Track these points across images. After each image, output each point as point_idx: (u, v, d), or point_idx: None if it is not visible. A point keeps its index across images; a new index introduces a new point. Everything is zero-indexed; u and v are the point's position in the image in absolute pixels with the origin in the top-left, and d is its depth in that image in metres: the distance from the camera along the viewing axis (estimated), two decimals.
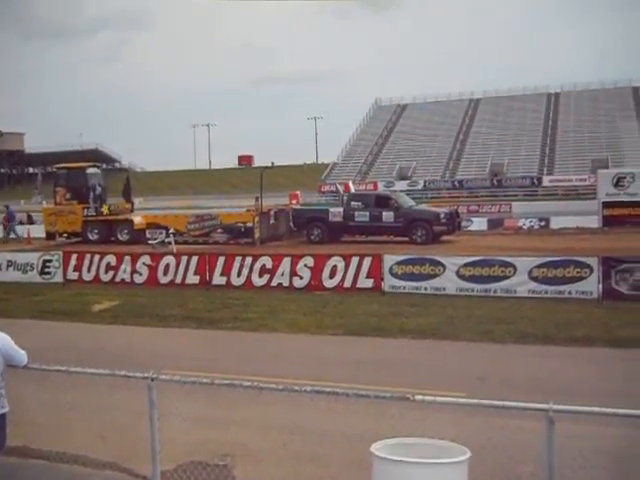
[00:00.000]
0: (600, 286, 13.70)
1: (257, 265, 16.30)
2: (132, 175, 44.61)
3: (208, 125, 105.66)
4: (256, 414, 6.78)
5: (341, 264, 15.64)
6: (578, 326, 11.57)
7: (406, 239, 23.24)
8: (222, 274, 16.59)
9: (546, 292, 14.01)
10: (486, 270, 14.55)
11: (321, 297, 15.03)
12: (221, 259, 16.79)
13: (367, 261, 15.47)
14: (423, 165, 62.10)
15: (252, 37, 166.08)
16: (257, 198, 26.18)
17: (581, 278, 13.85)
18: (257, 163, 43.43)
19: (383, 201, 24.61)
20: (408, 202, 25.61)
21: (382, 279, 15.29)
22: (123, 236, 26.10)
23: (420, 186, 55.88)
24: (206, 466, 5.77)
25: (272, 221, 25.99)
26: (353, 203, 24.82)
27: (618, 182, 26.46)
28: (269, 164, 36.68)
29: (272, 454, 6.22)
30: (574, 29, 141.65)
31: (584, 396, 7.39)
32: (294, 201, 29.77)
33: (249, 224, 24.96)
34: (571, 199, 45.61)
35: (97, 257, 17.92)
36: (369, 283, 15.37)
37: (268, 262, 16.29)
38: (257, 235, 24.62)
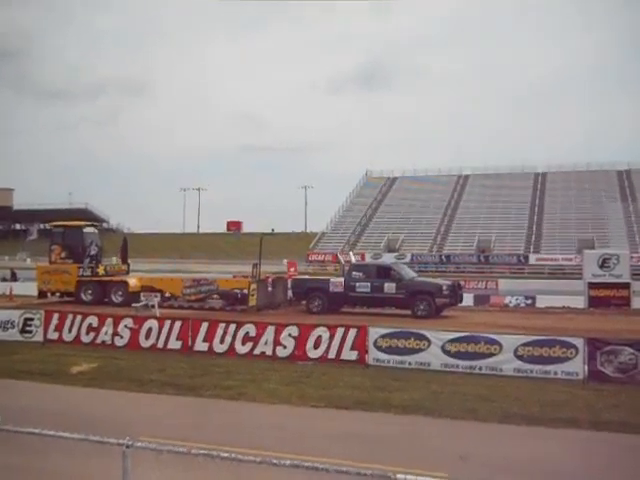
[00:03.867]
0: (585, 367, 13.61)
1: (240, 333, 16.11)
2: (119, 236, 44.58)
3: (198, 189, 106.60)
4: None
5: (326, 335, 15.48)
6: (563, 407, 11.43)
7: (408, 312, 22.89)
8: (205, 340, 16.36)
9: (531, 371, 13.89)
10: (472, 346, 14.45)
11: (304, 367, 14.82)
12: (204, 325, 16.59)
13: (352, 333, 15.33)
14: (411, 238, 62.62)
15: (246, 106, 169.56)
16: (255, 265, 26.09)
17: (567, 358, 13.76)
18: (246, 229, 43.67)
19: (385, 272, 24.28)
20: (410, 274, 25.35)
21: (367, 352, 15.12)
22: (117, 298, 25.77)
23: (407, 259, 56.13)
24: None
25: (270, 289, 25.73)
26: (354, 273, 24.46)
27: (604, 263, 26.68)
28: (266, 230, 36.79)
29: None
30: (561, 112, 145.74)
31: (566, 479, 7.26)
32: (292, 269, 29.64)
33: (244, 291, 24.75)
34: (557, 278, 45.88)
35: (79, 317, 17.66)
36: (353, 355, 15.19)
37: (252, 330, 16.11)
38: (253, 302, 24.34)
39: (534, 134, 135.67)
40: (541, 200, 65.72)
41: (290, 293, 26.01)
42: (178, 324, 16.75)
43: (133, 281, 26.54)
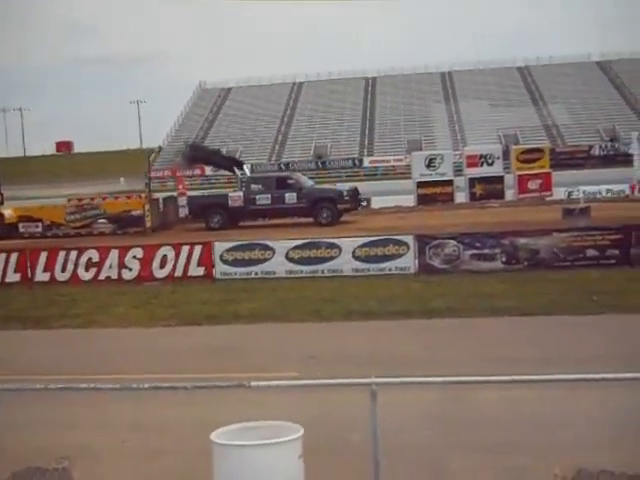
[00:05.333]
0: (416, 261, 14.86)
1: (83, 259, 15.78)
2: None
3: (20, 109, 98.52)
4: (94, 414, 6.74)
5: (171, 254, 15.58)
6: (397, 300, 12.49)
7: (310, 220, 23.01)
8: (45, 270, 15.87)
9: (369, 270, 14.93)
10: (313, 252, 15.21)
11: (152, 288, 14.89)
12: (43, 254, 16.04)
13: (197, 249, 15.54)
14: (249, 149, 62.53)
15: (74, 14, 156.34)
16: (147, 184, 24.93)
17: (399, 255, 14.92)
18: (77, 149, 41.43)
19: (284, 182, 24.10)
20: (308, 182, 25.29)
21: (213, 266, 15.44)
22: None
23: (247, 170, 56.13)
24: (45, 471, 5.69)
25: (161, 209, 24.94)
26: (253, 186, 24.05)
27: (430, 163, 28.42)
28: (101, 148, 35.11)
29: (112, 452, 6.25)
30: (388, 16, 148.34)
31: (404, 365, 8.15)
32: (180, 186, 28.68)
33: (137, 212, 23.68)
34: (390, 179, 48.17)
35: None
36: (200, 271, 15.47)
37: (95, 255, 15.82)
38: (149, 224, 23.47)
39: (364, 38, 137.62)
40: (372, 104, 67.73)
41: (186, 211, 25.20)
42: (15, 256, 16.06)
43: (8, 212, 24.48)
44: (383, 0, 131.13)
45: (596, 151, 52.50)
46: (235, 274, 15.33)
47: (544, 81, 65.97)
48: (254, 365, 8.75)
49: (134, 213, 24.00)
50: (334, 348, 9.90)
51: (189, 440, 6.04)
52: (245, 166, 28.36)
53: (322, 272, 15.04)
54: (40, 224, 23.40)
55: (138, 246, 16.12)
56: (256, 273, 15.29)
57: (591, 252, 14.67)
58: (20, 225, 23.86)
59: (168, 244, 16.18)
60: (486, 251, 14.77)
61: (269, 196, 23.55)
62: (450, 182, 28.24)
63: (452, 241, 14.91)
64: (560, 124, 59.58)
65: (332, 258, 15.07)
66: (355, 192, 24.53)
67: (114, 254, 15.75)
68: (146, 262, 15.59)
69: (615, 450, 5.77)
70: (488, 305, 11.72)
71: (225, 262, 15.43)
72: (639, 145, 32.92)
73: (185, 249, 15.61)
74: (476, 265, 14.70)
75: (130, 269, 15.65)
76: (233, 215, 23.86)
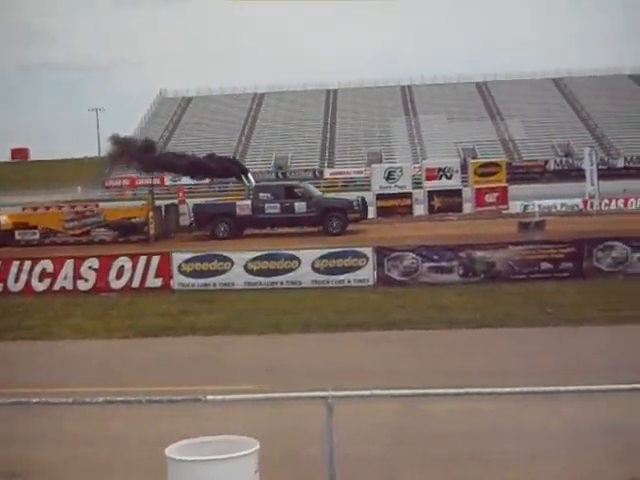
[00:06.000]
0: (375, 273, 14.96)
1: (37, 269, 15.47)
2: None
3: None
4: (48, 428, 6.59)
5: (128, 264, 15.39)
6: (356, 312, 12.54)
7: (316, 229, 22.96)
8: None
9: (328, 282, 14.97)
10: (273, 263, 15.18)
11: (108, 299, 14.67)
12: None
13: (155, 260, 15.38)
14: None
15: (30, 19, 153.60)
16: (150, 191, 24.49)
17: (358, 267, 15.00)
18: (33, 157, 40.65)
19: (293, 191, 24.01)
20: (316, 191, 25.24)
21: (171, 277, 15.30)
22: None
23: (207, 180, 55.85)
24: None
25: (164, 216, 24.50)
26: (262, 195, 23.74)
27: (389, 175, 28.73)
28: (48, 158, 34.48)
29: (65, 466, 6.13)
30: (350, 30, 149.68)
31: (362, 376, 8.18)
32: (181, 193, 28.35)
33: (137, 220, 23.17)
34: (349, 191, 48.42)
35: None
36: (158, 282, 15.30)
37: (49, 266, 15.53)
38: (152, 231, 22.88)
39: (326, 53, 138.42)
40: (333, 116, 68.14)
41: (187, 219, 24.76)
42: None
43: (4, 218, 23.58)
44: (345, 14, 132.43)
45: (551, 166, 53.68)
46: (193, 285, 15.21)
47: (501, 97, 67.30)
48: (211, 378, 8.67)
49: (135, 221, 23.50)
50: (292, 360, 9.89)
51: (143, 455, 5.96)
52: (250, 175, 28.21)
53: (281, 284, 15.02)
54: (37, 231, 22.73)
55: (94, 256, 15.87)
56: (214, 284, 15.19)
57: (545, 265, 14.96)
58: (16, 232, 23.08)
59: (125, 254, 15.97)
60: (444, 264, 14.94)
61: (278, 205, 23.37)
62: (409, 195, 28.56)
63: (411, 253, 15.05)
64: (517, 139, 60.80)
65: (291, 270, 15.07)
66: (364, 202, 24.65)
67: (69, 264, 15.48)
68: (102, 273, 15.37)
69: (567, 462, 5.88)
70: (445, 317, 11.85)
71: (183, 273, 15.29)
72: (591, 160, 33.79)
73: (142, 260, 15.43)
74: (434, 277, 14.86)
75: (86, 280, 15.40)
76: (240, 224, 23.57)
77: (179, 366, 9.73)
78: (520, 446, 6.23)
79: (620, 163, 51.72)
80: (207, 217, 24.08)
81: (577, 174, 41.77)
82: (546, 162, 54.30)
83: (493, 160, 36.14)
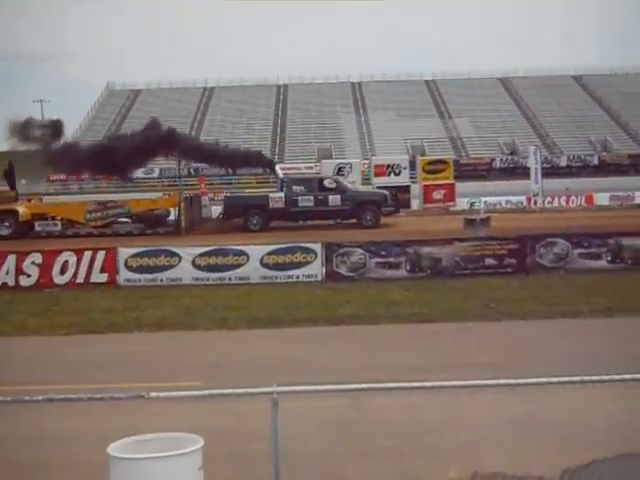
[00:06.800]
0: (323, 269, 15.04)
1: None
2: None
3: None
4: None
5: (72, 259, 15.11)
6: (304, 307, 12.61)
7: (351, 222, 23.02)
8: None
9: (276, 277, 14.99)
10: (220, 259, 15.12)
11: (52, 295, 14.37)
12: None
13: (100, 255, 15.14)
14: None
15: None
16: (178, 182, 23.86)
17: (307, 263, 15.06)
18: None
19: (327, 184, 24.03)
20: (348, 184, 25.20)
21: (117, 273, 15.08)
22: (4, 230, 22.09)
23: (156, 174, 55.19)
24: None
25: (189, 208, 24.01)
26: (295, 187, 23.63)
27: (339, 171, 28.86)
28: None
29: (3, 467, 5.99)
30: (302, 25, 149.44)
31: (309, 372, 8.23)
32: (202, 184, 27.66)
33: (160, 211, 22.82)
34: None
35: None
36: (103, 278, 15.07)
37: None
38: (183, 223, 22.40)
39: (277, 49, 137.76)
40: (284, 111, 68.01)
41: (221, 212, 24.42)
42: None
43: (22, 209, 22.74)
44: (297, 9, 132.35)
45: (497, 164, 54.71)
46: (140, 281, 15.02)
47: (450, 95, 68.24)
48: (157, 374, 8.59)
49: (158, 212, 23.12)
50: (239, 356, 9.88)
51: (85, 454, 5.87)
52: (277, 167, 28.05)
53: (229, 279, 14.98)
54: (59, 223, 22.12)
55: (37, 251, 15.52)
56: (161, 280, 15.05)
57: (490, 261, 15.29)
58: (36, 224, 22.40)
59: (69, 249, 15.67)
60: (391, 259, 15.12)
61: (312, 198, 23.37)
62: None
63: (359, 249, 15.18)
64: (464, 137, 61.78)
65: (239, 265, 15.03)
66: (396, 196, 24.88)
67: (11, 260, 15.10)
68: (46, 268, 15.04)
69: (509, 453, 6.03)
70: (392, 312, 12.01)
71: (129, 268, 15.10)
72: (535, 159, 34.62)
73: (87, 255, 15.17)
74: (381, 273, 15.03)
75: (29, 275, 15.05)
76: (273, 216, 23.47)
77: (124, 363, 9.62)
78: (461, 438, 6.37)
79: (563, 162, 53.09)
80: (239, 209, 23.97)
81: (522, 172, 42.76)
82: (492, 160, 55.33)
83: (441, 157, 36.68)
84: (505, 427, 6.40)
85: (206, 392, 4.88)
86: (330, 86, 71.25)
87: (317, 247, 15.14)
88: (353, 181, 27.30)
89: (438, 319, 11.57)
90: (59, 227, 22.41)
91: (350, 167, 29.28)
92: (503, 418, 6.38)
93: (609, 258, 15.34)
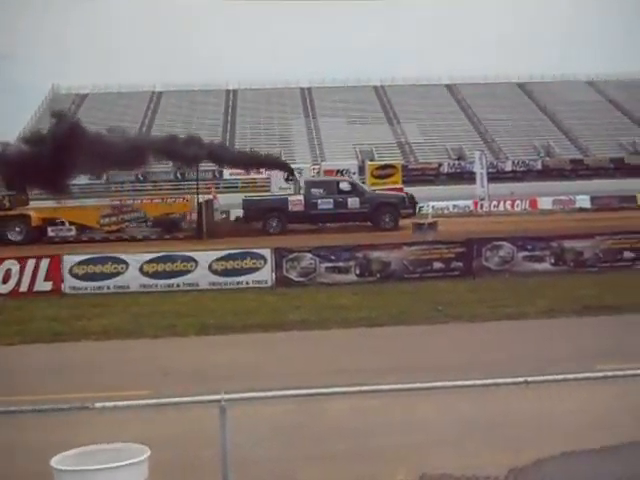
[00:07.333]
0: (273, 275, 15.02)
1: None
2: None
3: None
4: None
5: (15, 267, 14.73)
6: (254, 313, 12.56)
7: (368, 224, 23.18)
8: None
9: (226, 284, 14.89)
10: (169, 265, 14.95)
11: None
12: None
13: (44, 263, 14.79)
14: None
15: None
16: (196, 186, 23.92)
17: (257, 268, 15.01)
18: None
19: (345, 187, 24.08)
20: (366, 187, 25.30)
21: (62, 281, 14.76)
22: (16, 235, 21.36)
23: (103, 180, 54.19)
24: None
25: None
26: (314, 190, 23.58)
27: (288, 176, 28.88)
28: None
29: None
30: (250, 30, 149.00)
31: (259, 378, 8.19)
32: (212, 189, 27.12)
33: (174, 216, 22.64)
34: (249, 192, 48.26)
35: None
36: (48, 286, 14.73)
37: None
38: (205, 228, 22.04)
39: (226, 53, 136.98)
40: (233, 117, 67.69)
41: (241, 215, 24.30)
42: None
43: (33, 214, 22.07)
44: (246, 14, 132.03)
45: (445, 169, 55.45)
46: (86, 289, 14.74)
47: (398, 101, 69.01)
48: (104, 384, 8.43)
49: (174, 216, 22.83)
50: (189, 364, 9.76)
51: (28, 467, 5.72)
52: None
53: (178, 286, 14.82)
54: (73, 228, 21.55)
55: None
56: (108, 287, 14.80)
57: (438, 264, 15.51)
58: (49, 229, 21.79)
59: (12, 257, 15.27)
60: (341, 264, 15.20)
61: (331, 200, 23.35)
62: None
63: (308, 254, 15.22)
64: (412, 142, 62.50)
65: (188, 272, 14.89)
66: (413, 198, 25.17)
67: None
68: None
69: (457, 454, 6.12)
70: (342, 317, 12.06)
71: (75, 276, 14.80)
72: (481, 164, 35.29)
73: (31, 262, 14.80)
74: (331, 278, 15.09)
75: None
76: (292, 219, 23.43)
77: (70, 373, 9.42)
78: (410, 440, 6.44)
79: (508, 166, 54.16)
80: (258, 212, 23.81)
81: (469, 177, 43.46)
82: (440, 165, 56.07)
83: (390, 162, 37.07)
84: (454, 428, 6.49)
85: (152, 401, 4.82)
86: (279, 91, 71.23)
87: (267, 253, 15.11)
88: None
89: (387, 323, 11.67)
90: (73, 232, 21.96)
91: (300, 172, 29.34)
92: (452, 420, 6.48)
93: (552, 261, 15.74)
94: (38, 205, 24.73)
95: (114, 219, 22.95)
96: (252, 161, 28.91)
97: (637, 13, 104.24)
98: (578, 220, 24.59)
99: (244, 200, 25.56)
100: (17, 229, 22.10)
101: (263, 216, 23.82)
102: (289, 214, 23.67)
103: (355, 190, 24.13)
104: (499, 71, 74.81)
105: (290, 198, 24.42)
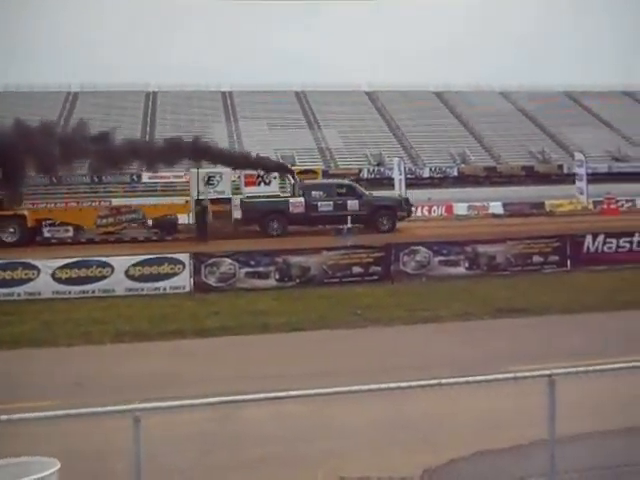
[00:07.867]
0: (191, 280, 14.80)
1: None
2: None
3: None
4: None
5: None
6: (171, 320, 12.36)
7: (362, 226, 23.07)
8: None
9: (142, 289, 14.58)
10: (83, 271, 14.51)
11: None
12: None
13: None
14: None
15: None
16: (198, 189, 23.11)
17: (175, 274, 14.77)
18: None
19: (345, 189, 24.04)
20: (363, 189, 25.08)
21: None
22: (9, 236, 20.00)
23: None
24: None
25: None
26: (314, 193, 23.44)
27: (209, 181, 28.51)
28: None
29: None
30: (173, 33, 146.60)
31: (176, 386, 8.06)
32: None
33: (171, 217, 22.06)
34: (169, 195, 47.39)
35: None
36: None
37: None
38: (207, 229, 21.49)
39: (146, 55, 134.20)
40: (152, 119, 66.40)
41: (240, 217, 23.77)
42: None
43: (29, 213, 20.71)
44: (168, 16, 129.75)
45: (364, 174, 56.09)
46: None
47: (319, 106, 69.52)
48: (13, 395, 8.09)
49: (170, 218, 22.30)
50: (103, 373, 9.51)
51: None
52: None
53: (93, 292, 14.40)
54: (71, 228, 20.47)
55: None
56: (19, 294, 14.23)
57: (357, 269, 15.69)
58: (45, 230, 20.55)
59: None
60: (260, 269, 15.15)
61: (331, 203, 23.50)
62: (228, 200, 28.55)
63: (228, 259, 15.09)
64: (333, 147, 63.04)
65: (104, 277, 14.49)
66: (408, 201, 25.41)
67: None
68: None
69: (375, 456, 6.20)
70: (261, 322, 12.02)
71: None
72: (400, 170, 35.93)
73: None
74: (251, 283, 15.02)
75: None
76: (292, 221, 23.31)
77: None
78: (329, 445, 6.49)
79: (426, 173, 55.37)
80: (258, 214, 23.65)
81: (388, 182, 44.17)
82: (360, 170, 56.75)
83: (310, 167, 37.25)
84: (371, 431, 6.58)
85: (62, 412, 4.65)
86: (200, 94, 70.43)
87: (185, 258, 14.89)
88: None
89: (307, 327, 11.71)
90: (71, 233, 21.11)
91: (220, 176, 28.93)
92: (370, 423, 6.56)
93: (467, 265, 16.20)
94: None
95: (111, 220, 22.51)
96: (247, 162, 28.67)
97: (549, 26, 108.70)
98: (491, 225, 25.39)
99: (243, 202, 25.32)
100: (11, 230, 21.10)
101: (263, 218, 23.64)
102: (290, 216, 23.60)
103: (354, 193, 24.56)
104: (418, 79, 76.42)
105: (291, 200, 24.18)
